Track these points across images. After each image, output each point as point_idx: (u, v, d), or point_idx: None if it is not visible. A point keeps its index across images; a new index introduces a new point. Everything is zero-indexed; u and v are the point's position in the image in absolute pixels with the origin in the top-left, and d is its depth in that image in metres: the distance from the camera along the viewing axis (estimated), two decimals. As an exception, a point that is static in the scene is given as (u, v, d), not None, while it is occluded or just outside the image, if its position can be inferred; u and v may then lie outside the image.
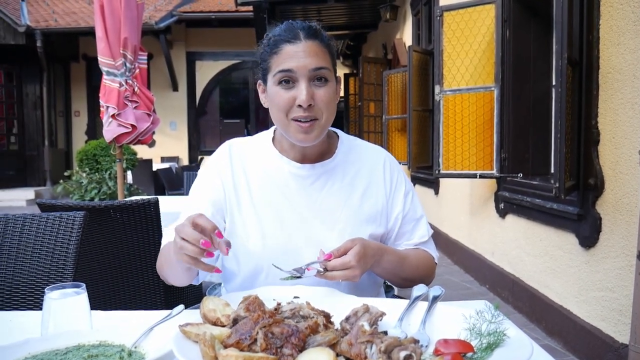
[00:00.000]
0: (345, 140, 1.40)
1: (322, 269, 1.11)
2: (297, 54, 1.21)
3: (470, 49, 3.95)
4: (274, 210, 1.30)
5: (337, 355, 0.80)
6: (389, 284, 1.65)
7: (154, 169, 8.30)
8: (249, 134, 1.45)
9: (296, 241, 1.27)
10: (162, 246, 1.32)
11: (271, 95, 1.25)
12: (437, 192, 5.93)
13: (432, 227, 1.43)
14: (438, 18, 4.11)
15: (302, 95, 1.19)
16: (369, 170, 1.37)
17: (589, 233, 2.77)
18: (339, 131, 1.43)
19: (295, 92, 1.21)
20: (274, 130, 1.39)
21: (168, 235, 1.31)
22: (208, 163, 1.38)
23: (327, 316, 0.89)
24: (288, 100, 1.21)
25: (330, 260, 1.11)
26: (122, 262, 2.36)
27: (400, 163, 1.46)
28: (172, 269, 1.22)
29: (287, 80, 1.21)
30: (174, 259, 1.14)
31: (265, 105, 1.31)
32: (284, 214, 1.29)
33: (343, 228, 1.28)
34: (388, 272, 1.28)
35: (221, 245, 0.97)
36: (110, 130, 3.66)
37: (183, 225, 1.00)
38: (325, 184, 1.32)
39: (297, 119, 1.21)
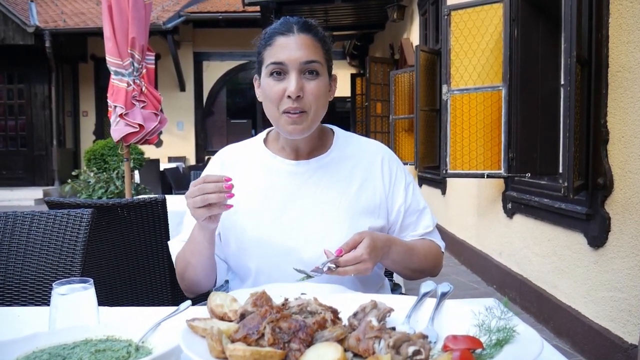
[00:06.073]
0: (341, 136, 1.40)
1: (333, 266, 1.10)
2: (289, 46, 1.22)
3: (478, 48, 3.94)
4: (271, 210, 1.29)
5: (345, 350, 0.79)
6: (396, 282, 1.64)
7: (161, 168, 8.32)
8: (256, 134, 1.47)
9: (296, 238, 1.27)
10: (175, 256, 1.34)
11: (264, 86, 1.26)
12: (444, 192, 5.91)
13: (439, 227, 1.42)
14: (445, 17, 4.10)
15: (291, 86, 1.20)
16: (366, 163, 1.36)
17: (597, 233, 2.75)
18: (334, 127, 1.42)
19: (286, 83, 1.22)
20: (267, 133, 1.40)
21: (176, 246, 1.34)
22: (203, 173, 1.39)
23: (334, 312, 0.88)
24: (278, 91, 1.22)
25: (341, 256, 1.11)
26: (129, 260, 2.37)
27: (407, 163, 1.46)
28: (194, 266, 1.24)
29: (279, 72, 1.22)
30: (195, 249, 1.20)
31: (260, 100, 1.31)
32: (281, 212, 1.29)
33: (341, 221, 1.28)
34: (397, 263, 1.28)
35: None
36: (117, 129, 3.67)
37: (193, 190, 1.10)
38: (322, 178, 1.32)
39: (287, 110, 1.22)
